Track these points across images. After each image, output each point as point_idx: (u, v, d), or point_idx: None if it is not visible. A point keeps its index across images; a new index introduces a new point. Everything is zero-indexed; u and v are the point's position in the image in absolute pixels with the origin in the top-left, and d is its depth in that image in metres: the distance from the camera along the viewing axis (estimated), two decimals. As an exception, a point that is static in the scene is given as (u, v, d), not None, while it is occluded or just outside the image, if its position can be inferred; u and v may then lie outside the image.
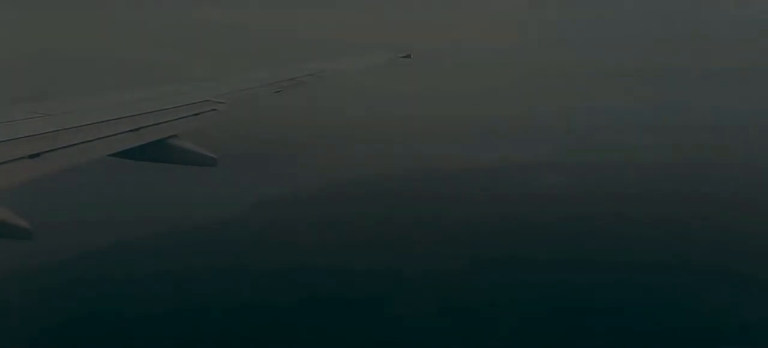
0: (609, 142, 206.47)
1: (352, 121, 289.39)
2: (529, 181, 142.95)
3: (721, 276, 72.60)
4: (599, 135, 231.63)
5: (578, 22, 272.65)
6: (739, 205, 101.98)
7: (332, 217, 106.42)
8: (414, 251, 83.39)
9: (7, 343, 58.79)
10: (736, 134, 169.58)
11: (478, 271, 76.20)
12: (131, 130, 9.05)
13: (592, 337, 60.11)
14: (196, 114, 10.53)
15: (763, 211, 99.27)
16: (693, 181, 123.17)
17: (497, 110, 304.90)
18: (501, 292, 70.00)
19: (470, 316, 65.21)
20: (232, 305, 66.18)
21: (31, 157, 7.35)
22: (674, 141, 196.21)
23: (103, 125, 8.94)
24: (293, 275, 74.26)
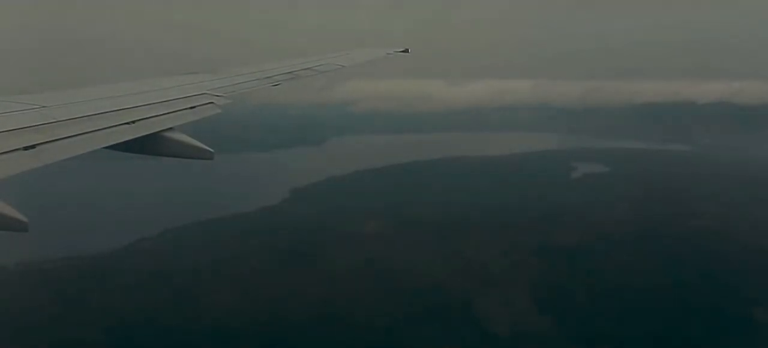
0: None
1: (355, 112, 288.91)
2: (559, 168, 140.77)
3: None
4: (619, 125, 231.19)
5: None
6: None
7: (367, 205, 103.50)
8: (456, 239, 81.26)
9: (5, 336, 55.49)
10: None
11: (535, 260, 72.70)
12: (127, 123, 8.81)
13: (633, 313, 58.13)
14: (193, 107, 10.25)
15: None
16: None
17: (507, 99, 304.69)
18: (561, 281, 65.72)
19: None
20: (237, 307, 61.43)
21: (27, 149, 7.05)
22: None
23: (99, 117, 8.73)
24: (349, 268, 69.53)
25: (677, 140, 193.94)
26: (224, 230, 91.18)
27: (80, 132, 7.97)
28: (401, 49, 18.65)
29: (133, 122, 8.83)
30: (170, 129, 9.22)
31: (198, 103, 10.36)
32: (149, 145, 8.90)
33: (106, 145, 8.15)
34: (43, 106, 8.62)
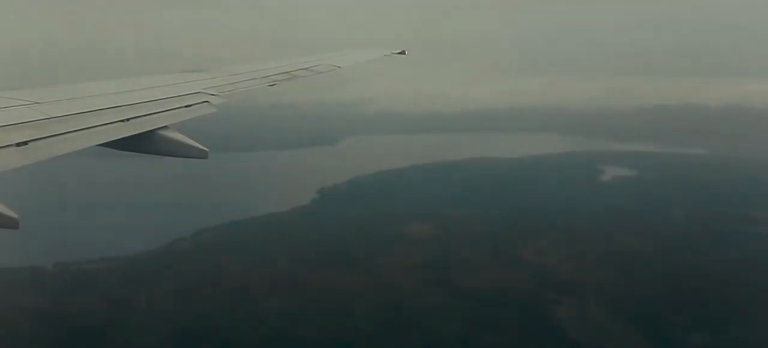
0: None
1: (366, 112, 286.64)
2: (586, 171, 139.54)
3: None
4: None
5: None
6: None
7: (402, 206, 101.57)
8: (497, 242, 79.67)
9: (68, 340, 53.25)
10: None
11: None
12: (121, 121, 8.57)
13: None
14: (188, 106, 10.22)
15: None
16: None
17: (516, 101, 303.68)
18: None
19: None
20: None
21: (19, 145, 6.84)
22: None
23: (92, 114, 8.46)
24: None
25: (692, 144, 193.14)
26: (261, 230, 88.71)
27: (74, 129, 7.87)
28: (398, 51, 18.54)
29: (128, 120, 8.76)
30: (165, 127, 9.11)
31: (193, 102, 10.31)
32: (144, 143, 8.81)
33: (101, 142, 8.04)
34: (37, 102, 8.47)
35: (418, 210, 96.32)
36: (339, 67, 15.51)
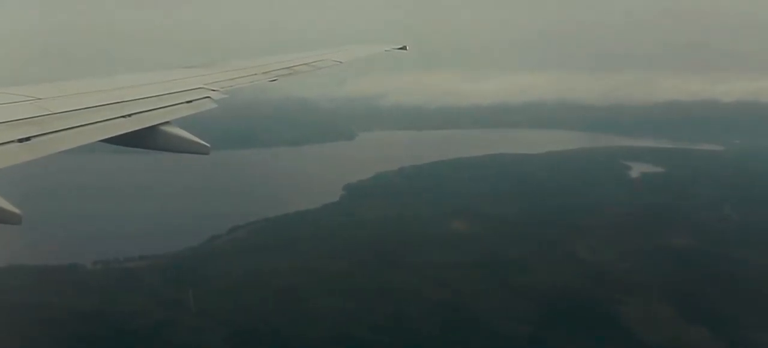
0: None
1: (380, 107, 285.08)
2: (613, 167, 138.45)
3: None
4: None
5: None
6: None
7: (437, 202, 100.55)
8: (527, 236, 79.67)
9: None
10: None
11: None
12: (123, 116, 8.64)
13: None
14: (190, 101, 9.98)
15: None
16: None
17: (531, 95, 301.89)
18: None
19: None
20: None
21: (21, 141, 6.88)
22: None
23: (94, 110, 8.55)
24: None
25: (707, 139, 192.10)
26: (296, 228, 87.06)
27: (76, 124, 7.95)
28: (399, 46, 18.54)
29: (130, 116, 8.82)
30: (167, 123, 9.17)
31: (195, 98, 10.36)
32: (145, 139, 8.88)
33: (102, 138, 8.06)
34: (39, 98, 8.53)
35: (452, 207, 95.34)
36: (340, 62, 15.48)
